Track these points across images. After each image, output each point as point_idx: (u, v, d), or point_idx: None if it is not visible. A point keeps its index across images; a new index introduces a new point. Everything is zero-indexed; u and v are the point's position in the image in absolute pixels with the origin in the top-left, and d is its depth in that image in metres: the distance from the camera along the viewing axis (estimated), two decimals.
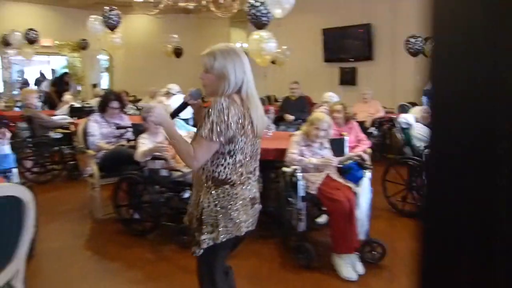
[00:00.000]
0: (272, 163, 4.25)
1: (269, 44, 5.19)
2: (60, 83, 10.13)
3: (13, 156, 3.28)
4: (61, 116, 6.46)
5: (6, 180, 2.87)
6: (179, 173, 3.52)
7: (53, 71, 13.36)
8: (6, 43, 10.52)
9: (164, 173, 3.56)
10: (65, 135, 5.69)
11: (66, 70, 11.64)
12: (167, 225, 3.67)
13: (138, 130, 3.84)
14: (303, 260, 3.15)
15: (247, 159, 1.85)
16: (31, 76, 13.29)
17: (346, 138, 3.73)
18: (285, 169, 3.33)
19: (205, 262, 1.89)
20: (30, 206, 1.84)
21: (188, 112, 6.03)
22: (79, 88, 12.18)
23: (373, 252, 3.17)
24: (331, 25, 9.14)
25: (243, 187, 1.87)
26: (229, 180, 1.81)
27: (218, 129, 1.68)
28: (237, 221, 1.82)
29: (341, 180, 3.21)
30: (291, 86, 6.74)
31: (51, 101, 9.71)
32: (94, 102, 8.72)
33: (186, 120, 5.62)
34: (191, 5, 5.80)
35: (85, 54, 12.21)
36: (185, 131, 4.65)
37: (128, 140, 4.13)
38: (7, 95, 10.74)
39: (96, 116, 4.26)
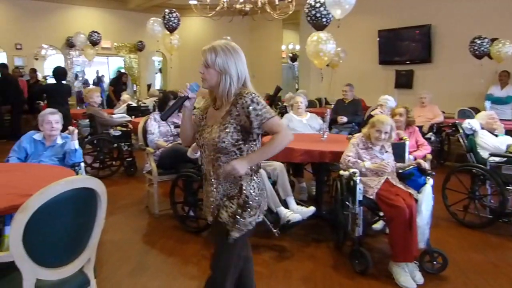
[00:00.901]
0: (325, 166, 4.21)
1: (327, 45, 5.13)
2: (118, 83, 10.59)
3: (81, 151, 3.46)
4: (119, 114, 6.75)
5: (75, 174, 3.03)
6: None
7: (112, 71, 13.97)
8: (71, 45, 11.18)
9: None
10: (124, 133, 5.94)
11: (124, 71, 12.15)
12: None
13: None
14: (359, 265, 3.08)
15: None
16: (90, 76, 14.04)
17: (407, 142, 3.60)
18: (342, 172, 3.28)
19: (238, 246, 1.94)
20: (103, 198, 1.93)
21: None
22: (134, 88, 12.70)
23: (433, 262, 3.04)
24: (387, 27, 8.89)
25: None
26: (260, 163, 2.02)
27: (268, 108, 1.89)
28: (266, 198, 2.09)
29: (401, 185, 3.10)
30: (344, 89, 6.64)
31: (110, 100, 10.19)
32: (149, 102, 9.06)
33: None
34: (247, 7, 5.85)
35: (141, 55, 12.71)
36: None
37: None
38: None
39: (155, 115, 4.40)
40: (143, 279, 3.05)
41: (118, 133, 5.85)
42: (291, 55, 12.72)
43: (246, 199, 1.89)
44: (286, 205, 3.59)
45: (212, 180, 1.97)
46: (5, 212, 1.99)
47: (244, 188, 1.90)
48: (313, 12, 5.06)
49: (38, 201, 1.64)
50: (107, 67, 14.31)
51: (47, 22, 10.81)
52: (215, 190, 1.96)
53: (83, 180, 1.80)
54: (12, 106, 9.23)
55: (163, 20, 7.13)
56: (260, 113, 1.83)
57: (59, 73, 6.97)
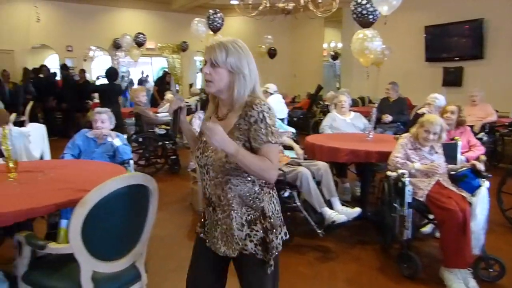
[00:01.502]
0: (370, 166, 4.11)
1: (373, 43, 5.02)
2: (162, 83, 10.86)
3: (130, 148, 3.57)
4: (164, 113, 6.91)
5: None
6: (279, 172, 3.54)
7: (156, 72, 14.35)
8: (117, 46, 11.58)
9: None
10: (168, 131, 6.07)
11: (166, 71, 12.44)
12: None
13: None
14: (407, 270, 2.98)
15: None
16: (135, 76, 14.47)
17: (459, 143, 3.45)
18: (389, 173, 3.18)
19: (274, 275, 1.68)
20: (155, 195, 1.98)
21: (283, 112, 6.14)
22: (177, 87, 12.98)
23: (489, 270, 2.89)
24: (434, 22, 8.55)
25: None
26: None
27: (276, 131, 1.57)
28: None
29: (453, 188, 2.97)
30: (387, 87, 6.47)
31: (154, 99, 10.47)
32: (191, 101, 9.23)
33: (282, 120, 5.67)
34: (290, 6, 5.82)
35: (184, 56, 12.97)
36: (283, 131, 4.69)
37: None
38: None
39: (200, 114, 4.47)
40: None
41: (163, 131, 5.99)
42: (332, 53, 12.55)
43: (270, 220, 1.64)
44: (330, 206, 3.54)
45: (224, 207, 1.63)
46: (63, 206, 2.08)
47: (266, 209, 1.64)
48: (359, 9, 4.96)
49: (96, 196, 1.71)
50: (150, 67, 14.70)
51: (95, 24, 11.26)
52: (227, 218, 1.63)
53: (137, 177, 1.85)
54: (69, 105, 9.71)
55: (207, 20, 7.23)
56: (260, 132, 1.53)
57: (111, 73, 7.26)
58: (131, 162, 3.47)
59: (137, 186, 1.86)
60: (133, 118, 6.50)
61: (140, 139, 6.09)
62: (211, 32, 7.33)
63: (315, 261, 3.31)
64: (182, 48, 12.56)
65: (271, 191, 1.68)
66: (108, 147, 3.47)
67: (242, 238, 1.63)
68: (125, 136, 3.74)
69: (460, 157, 3.40)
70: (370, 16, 4.94)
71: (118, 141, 3.47)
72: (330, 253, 3.44)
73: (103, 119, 3.50)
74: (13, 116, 5.21)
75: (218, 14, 7.11)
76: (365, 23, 5.05)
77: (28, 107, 8.01)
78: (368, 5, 4.86)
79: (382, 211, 3.43)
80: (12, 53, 10.31)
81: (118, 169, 2.79)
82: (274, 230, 1.65)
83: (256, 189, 1.62)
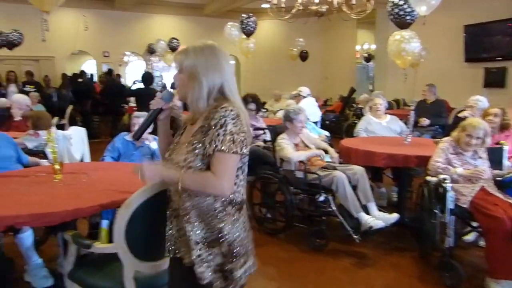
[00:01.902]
0: (407, 171, 4.01)
1: (411, 44, 4.90)
2: None
3: None
4: None
5: None
6: (314, 176, 3.51)
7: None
8: (151, 51, 11.85)
9: (299, 174, 3.59)
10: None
11: None
12: (299, 226, 3.71)
13: (275, 131, 3.94)
14: (449, 279, 2.88)
15: (246, 172, 1.57)
16: (168, 80, 14.75)
17: (506, 147, 3.31)
18: (429, 178, 3.09)
19: None
20: None
21: (317, 115, 6.09)
22: None
23: None
24: (474, 21, 8.25)
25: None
26: (244, 201, 1.55)
27: (239, 139, 1.40)
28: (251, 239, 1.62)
29: (500, 194, 2.85)
30: (423, 89, 6.31)
31: (186, 104, 10.62)
32: None
33: (315, 123, 5.63)
34: (323, 8, 5.77)
35: None
36: (316, 134, 4.66)
37: (265, 141, 4.27)
38: None
39: None
40: None
41: None
42: (365, 55, 12.37)
43: (229, 247, 1.47)
44: (366, 211, 3.48)
45: (183, 217, 1.49)
46: (107, 208, 2.14)
47: (225, 232, 1.47)
48: (396, 10, 4.85)
49: (140, 198, 1.74)
50: None
51: (130, 30, 11.57)
52: (183, 230, 1.50)
53: None
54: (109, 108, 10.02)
55: (241, 24, 7.29)
56: (216, 138, 1.38)
57: (147, 78, 7.47)
58: None
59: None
60: None
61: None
62: (244, 36, 7.38)
63: (351, 266, 3.25)
64: None
65: (236, 214, 1.50)
66: (146, 150, 3.54)
67: (196, 256, 1.47)
68: None
69: (506, 163, 3.26)
70: (408, 17, 4.83)
71: (155, 144, 3.53)
72: (366, 259, 3.37)
73: (140, 122, 3.57)
74: (55, 120, 5.41)
75: (252, 18, 7.16)
76: (402, 24, 4.93)
77: (68, 111, 8.30)
78: (405, 6, 4.76)
79: (421, 217, 3.34)
80: (53, 59, 10.74)
81: None
82: (235, 260, 1.48)
83: (217, 206, 1.47)
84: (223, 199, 1.46)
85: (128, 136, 3.62)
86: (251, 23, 7.16)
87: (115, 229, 1.76)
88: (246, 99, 4.46)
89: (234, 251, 1.49)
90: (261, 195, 4.07)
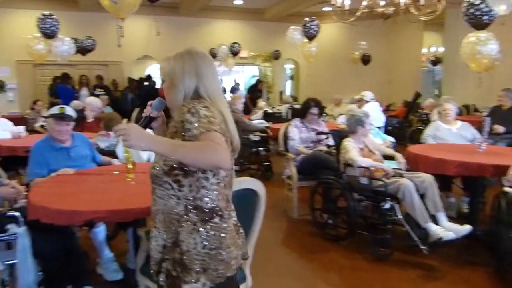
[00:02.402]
0: (481, 181, 3.78)
1: (487, 46, 4.61)
2: (254, 91, 11.15)
3: None
4: (258, 120, 7.08)
5: None
6: (380, 183, 3.41)
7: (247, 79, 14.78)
8: (213, 56, 12.16)
9: (363, 181, 3.50)
10: (262, 138, 6.20)
11: (260, 79, 12.77)
12: (362, 234, 3.61)
13: (339, 136, 3.88)
14: None
15: (228, 176, 1.48)
16: (228, 84, 15.06)
17: None
18: (507, 189, 2.89)
19: None
20: (262, 200, 2.02)
21: (381, 120, 5.92)
22: (268, 95, 13.24)
23: None
24: None
25: (229, 216, 1.49)
26: (217, 209, 1.43)
27: (217, 122, 1.33)
28: (229, 260, 1.45)
29: None
30: (499, 94, 5.89)
31: (246, 107, 10.79)
32: (283, 108, 9.33)
33: (379, 128, 5.47)
34: (390, 10, 5.61)
35: (275, 64, 13.19)
36: (381, 140, 4.52)
37: (328, 146, 4.23)
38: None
39: (296, 121, 4.49)
40: (285, 280, 3.13)
41: (257, 138, 6.13)
42: (432, 58, 11.80)
43: (181, 256, 1.39)
44: (435, 221, 3.31)
45: (153, 221, 1.48)
46: None
47: (181, 239, 1.40)
48: (472, 10, 4.58)
49: None
50: (242, 76, 15.19)
51: (193, 36, 11.95)
52: (154, 235, 1.48)
53: (249, 181, 1.91)
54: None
55: (303, 28, 7.28)
56: (191, 126, 1.31)
57: None
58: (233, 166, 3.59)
59: (248, 190, 1.91)
60: None
61: None
62: (307, 40, 7.35)
63: (418, 278, 3.11)
64: (275, 56, 12.79)
65: (199, 224, 1.39)
66: None
67: (157, 262, 1.45)
68: None
69: None
70: (485, 17, 4.54)
71: None
72: (435, 272, 3.21)
73: None
74: (124, 122, 5.71)
75: (314, 22, 7.12)
76: (478, 25, 4.64)
77: (134, 114, 8.73)
78: (482, 5, 4.47)
79: (496, 230, 3.12)
80: (121, 64, 11.36)
81: None
82: (185, 273, 1.39)
83: (179, 210, 1.40)
84: (186, 203, 1.39)
85: None
86: (314, 26, 7.12)
87: None
88: (309, 103, 4.44)
89: (185, 262, 1.39)
90: (323, 200, 4.02)
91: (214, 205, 1.41)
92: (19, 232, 2.25)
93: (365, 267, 3.32)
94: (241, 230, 1.58)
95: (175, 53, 1.53)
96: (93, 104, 5.62)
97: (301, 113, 4.53)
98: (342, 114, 7.72)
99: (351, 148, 3.59)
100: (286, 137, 4.53)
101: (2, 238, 2.35)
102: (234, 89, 14.58)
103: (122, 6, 4.52)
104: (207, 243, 1.39)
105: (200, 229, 1.39)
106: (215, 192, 1.41)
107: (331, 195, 3.91)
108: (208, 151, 1.24)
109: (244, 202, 1.96)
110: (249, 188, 1.93)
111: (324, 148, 4.24)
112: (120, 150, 4.02)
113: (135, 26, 10.96)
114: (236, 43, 11.46)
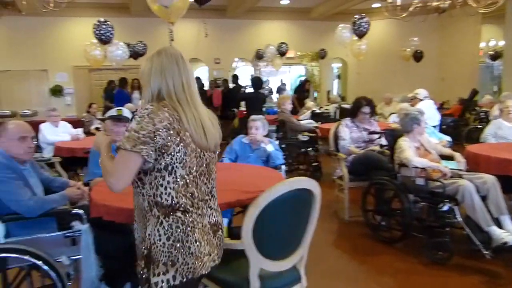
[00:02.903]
0: None
1: None
2: (301, 91, 11.08)
3: (282, 154, 3.70)
4: (307, 120, 7.02)
5: None
6: (437, 184, 3.27)
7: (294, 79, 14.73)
8: (259, 56, 12.23)
9: (419, 181, 3.38)
10: (311, 138, 6.14)
11: (307, 78, 12.68)
12: (417, 236, 3.49)
13: (392, 135, 3.77)
14: None
15: (193, 175, 1.53)
16: (274, 85, 15.08)
17: None
18: None
19: None
20: (317, 200, 2.00)
21: (436, 119, 5.69)
22: (315, 95, 13.12)
23: None
24: None
25: (200, 213, 1.55)
26: (178, 205, 1.49)
27: (137, 136, 1.41)
28: (199, 255, 1.51)
29: None
30: None
31: (294, 107, 10.74)
32: (330, 108, 9.20)
33: (434, 127, 5.27)
34: (446, 3, 5.36)
35: (322, 63, 13.04)
36: (436, 139, 4.35)
37: (381, 146, 4.12)
38: None
39: (347, 121, 4.40)
40: (337, 283, 3.08)
41: (306, 138, 6.08)
42: (491, 53, 11.12)
43: (148, 250, 1.48)
44: (498, 224, 3.13)
45: (134, 217, 1.62)
46: (233, 206, 2.25)
47: (148, 232, 1.49)
48: None
49: (267, 198, 1.79)
50: (288, 76, 15.15)
51: (240, 37, 12.09)
52: (135, 228, 1.60)
53: (304, 181, 1.90)
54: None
55: (353, 26, 7.14)
56: (126, 134, 1.45)
57: (256, 82, 7.70)
58: (283, 167, 3.59)
59: (303, 190, 1.90)
60: (274, 125, 6.74)
61: (283, 145, 6.28)
62: (356, 38, 7.21)
63: (480, 285, 2.96)
64: (320, 55, 12.65)
65: (161, 217, 1.48)
66: (261, 153, 3.65)
67: (139, 254, 1.55)
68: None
69: None
70: None
71: (270, 146, 3.62)
72: (500, 279, 3.03)
73: (257, 126, 3.70)
74: None
75: (364, 19, 6.96)
76: None
77: None
78: None
79: None
80: None
81: (275, 173, 2.91)
82: (152, 265, 1.47)
83: (145, 205, 1.51)
84: (149, 200, 1.50)
85: (245, 139, 3.76)
86: (363, 24, 6.96)
87: (243, 227, 1.83)
88: (360, 102, 4.34)
89: (152, 255, 1.47)
90: (375, 201, 3.92)
91: (173, 202, 1.49)
92: (83, 229, 2.36)
93: (421, 271, 3.20)
94: (220, 233, 1.68)
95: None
96: None
97: (352, 112, 4.44)
98: (393, 113, 7.50)
99: (407, 148, 3.47)
100: (336, 137, 4.46)
101: (68, 234, 2.48)
102: (280, 90, 14.62)
103: (172, 10, 4.65)
104: (171, 235, 1.48)
105: (163, 222, 1.48)
106: (173, 190, 1.49)
107: (385, 196, 3.80)
108: (104, 174, 1.50)
109: (300, 202, 1.95)
110: (305, 188, 1.91)
111: (377, 148, 4.13)
112: None
113: (184, 30, 11.24)
114: (283, 43, 11.46)
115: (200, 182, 1.57)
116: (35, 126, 2.62)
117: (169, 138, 1.44)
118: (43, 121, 5.85)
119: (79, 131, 5.92)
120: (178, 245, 1.48)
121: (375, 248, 3.64)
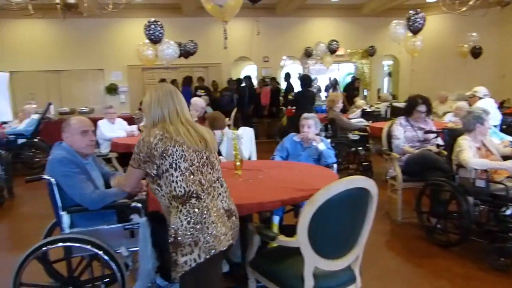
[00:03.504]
0: None
1: None
2: (351, 89, 10.87)
3: (334, 153, 3.65)
4: (357, 119, 6.88)
5: None
6: (500, 186, 3.09)
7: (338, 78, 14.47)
8: (308, 54, 12.14)
9: (480, 183, 3.21)
10: (362, 137, 6.01)
11: (356, 76, 12.43)
12: (476, 241, 3.32)
13: (450, 135, 3.60)
14: None
15: (195, 165, 1.84)
16: (323, 83, 14.89)
17: None
18: None
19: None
20: (374, 199, 1.96)
21: (497, 118, 5.38)
22: (365, 93, 12.82)
23: None
24: None
25: (212, 198, 1.85)
26: (190, 192, 1.80)
27: (138, 158, 1.87)
28: (217, 234, 1.78)
29: None
30: None
31: (343, 105, 10.56)
32: (381, 106, 8.95)
33: (495, 127, 4.98)
34: None
35: (373, 60, 12.71)
36: (498, 139, 4.12)
37: (438, 146, 3.95)
38: None
39: (401, 120, 4.27)
40: (392, 285, 3.01)
41: (356, 137, 5.97)
42: None
43: (175, 234, 1.77)
44: None
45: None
46: (287, 203, 2.25)
47: (171, 222, 1.80)
48: None
49: (324, 196, 1.78)
50: (337, 74, 14.89)
51: (289, 35, 12.04)
52: (167, 225, 1.89)
53: (361, 180, 1.86)
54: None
55: (407, 21, 6.88)
56: (132, 156, 1.92)
57: (305, 80, 7.65)
58: (335, 166, 3.54)
59: (361, 189, 1.87)
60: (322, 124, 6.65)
61: (333, 144, 6.19)
62: (410, 34, 6.95)
63: None
64: (370, 52, 12.34)
65: (180, 206, 1.78)
66: (313, 151, 3.62)
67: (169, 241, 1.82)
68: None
69: None
70: None
71: (322, 145, 3.59)
72: None
73: (310, 124, 3.67)
74: (227, 120, 5.95)
75: (420, 14, 6.68)
76: None
77: (233, 114, 9.06)
78: None
79: None
80: (220, 65, 11.86)
81: (329, 172, 2.88)
82: (179, 248, 1.74)
83: (167, 203, 1.85)
84: (167, 197, 1.83)
85: (296, 137, 3.75)
86: (419, 19, 6.68)
87: (299, 224, 1.83)
88: (416, 100, 4.19)
89: (178, 239, 1.74)
90: (431, 203, 3.77)
91: (185, 191, 1.80)
92: (141, 222, 2.45)
93: (480, 276, 3.05)
94: (234, 219, 1.93)
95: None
96: (197, 104, 5.93)
97: (406, 111, 4.30)
98: (449, 112, 7.17)
99: (466, 148, 3.30)
100: (389, 136, 4.33)
101: (127, 226, 2.58)
102: (329, 88, 14.44)
103: (226, 9, 4.70)
104: (190, 219, 1.76)
105: (182, 209, 1.78)
106: (182, 181, 1.81)
107: (441, 197, 3.65)
108: (121, 184, 2.27)
109: (356, 201, 1.92)
110: (362, 187, 1.87)
111: (434, 148, 3.97)
112: (224, 148, 4.20)
113: (235, 28, 11.35)
114: (334, 40, 11.28)
115: (204, 171, 1.87)
116: (93, 123, 2.77)
117: (166, 143, 1.81)
118: (100, 118, 6.12)
119: (134, 127, 6.16)
120: (198, 226, 1.75)
121: (430, 251, 3.51)
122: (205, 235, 1.75)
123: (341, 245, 1.97)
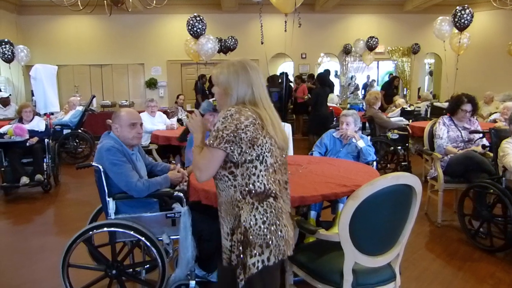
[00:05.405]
0: None
1: None
2: (389, 87, 10.64)
3: (373, 150, 3.60)
4: (397, 118, 6.73)
5: None
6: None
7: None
8: (347, 51, 11.96)
9: None
10: (401, 136, 5.88)
11: (396, 75, 12.15)
12: None
13: (497, 136, 3.47)
14: None
15: (278, 164, 1.69)
16: (361, 81, 14.64)
17: None
18: None
19: None
20: (418, 197, 1.92)
21: None
22: (405, 91, 12.50)
23: None
24: None
25: (283, 201, 1.71)
26: (269, 191, 1.64)
27: (221, 135, 1.57)
28: (288, 238, 1.67)
29: None
30: None
31: (381, 104, 10.35)
32: (421, 105, 8.71)
33: None
34: None
35: (414, 58, 12.36)
36: None
37: (484, 147, 3.81)
38: (342, 98, 12.27)
39: (444, 119, 4.14)
40: (434, 286, 2.93)
41: (395, 136, 5.84)
42: None
43: (246, 232, 1.60)
44: None
45: (219, 212, 1.78)
46: (328, 198, 2.25)
47: (243, 219, 1.61)
48: None
49: (367, 191, 1.77)
50: (376, 72, 14.59)
51: (328, 32, 11.91)
52: (221, 224, 1.75)
53: (406, 177, 1.84)
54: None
55: (453, 18, 6.65)
56: (213, 133, 1.60)
57: (323, 79, 7.68)
58: (375, 163, 3.49)
59: (404, 186, 1.84)
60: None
61: (371, 143, 6.09)
62: (457, 31, 6.71)
63: None
64: (413, 50, 12.01)
65: (256, 204, 1.61)
66: (352, 148, 3.58)
67: (228, 248, 1.68)
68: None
69: None
70: None
71: (362, 142, 3.54)
72: None
73: (349, 121, 3.63)
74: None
75: (467, 11, 6.43)
76: None
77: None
78: None
79: None
80: (257, 62, 11.89)
81: (370, 169, 2.85)
82: (249, 247, 1.59)
83: (237, 196, 1.64)
84: (241, 190, 1.63)
85: (336, 133, 3.72)
86: (466, 15, 6.43)
87: (341, 220, 1.82)
88: (461, 99, 4.05)
89: (250, 238, 1.59)
90: (473, 205, 3.65)
91: (265, 188, 1.64)
92: (182, 211, 2.51)
93: None
94: (293, 221, 1.83)
95: (226, 63, 1.75)
96: None
97: (450, 110, 4.16)
98: (494, 113, 6.90)
99: (510, 152, 3.18)
100: (432, 135, 4.22)
101: (169, 215, 2.66)
102: (367, 86, 14.18)
103: (287, 0, 4.78)
104: (266, 219, 1.62)
105: (259, 207, 1.62)
106: (264, 177, 1.64)
107: (485, 200, 3.52)
108: (193, 168, 1.68)
109: (400, 198, 1.89)
110: (407, 184, 1.84)
111: (479, 149, 3.83)
112: None
113: (273, 25, 11.35)
114: (373, 37, 11.05)
115: (282, 171, 1.73)
116: None
117: (257, 131, 1.60)
118: (140, 112, 6.30)
119: (174, 121, 6.31)
120: (272, 228, 1.62)
121: (471, 255, 3.40)
122: (278, 238, 1.63)
123: (382, 241, 1.94)
